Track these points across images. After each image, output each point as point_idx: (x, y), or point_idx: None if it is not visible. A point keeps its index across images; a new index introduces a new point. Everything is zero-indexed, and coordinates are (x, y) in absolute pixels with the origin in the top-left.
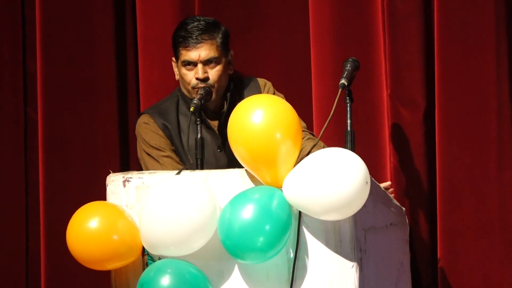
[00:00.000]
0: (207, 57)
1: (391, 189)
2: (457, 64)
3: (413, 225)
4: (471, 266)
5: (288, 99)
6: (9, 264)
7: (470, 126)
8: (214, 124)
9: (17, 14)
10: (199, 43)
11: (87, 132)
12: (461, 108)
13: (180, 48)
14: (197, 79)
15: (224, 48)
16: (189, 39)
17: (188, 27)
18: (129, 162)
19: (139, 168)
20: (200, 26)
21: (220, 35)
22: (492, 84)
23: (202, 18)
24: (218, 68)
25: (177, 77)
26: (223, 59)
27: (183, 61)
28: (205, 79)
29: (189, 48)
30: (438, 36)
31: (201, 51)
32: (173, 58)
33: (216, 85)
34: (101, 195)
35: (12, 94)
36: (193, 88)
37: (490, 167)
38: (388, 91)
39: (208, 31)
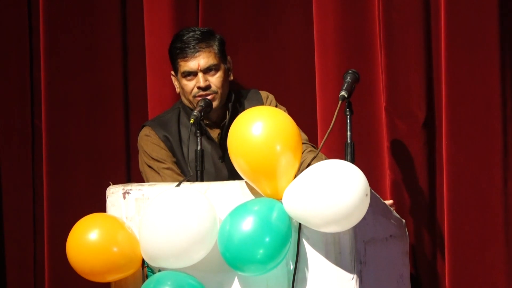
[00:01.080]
0: (207, 65)
1: (393, 207)
2: (464, 76)
3: (412, 236)
4: (478, 278)
5: (293, 110)
6: (18, 272)
7: (477, 137)
8: (216, 135)
9: (24, 24)
10: (197, 52)
11: (92, 143)
12: (468, 119)
13: (179, 60)
14: (198, 87)
15: (222, 55)
16: (186, 49)
17: (184, 38)
18: (134, 174)
19: (143, 180)
20: (196, 36)
21: (216, 43)
22: (496, 95)
23: (196, 28)
24: (219, 75)
25: (177, 90)
26: (222, 66)
27: (183, 72)
28: (206, 87)
29: (187, 58)
30: (445, 48)
31: (200, 60)
32: (172, 72)
33: (219, 92)
34: (105, 206)
35: (20, 105)
36: (195, 97)
37: (496, 178)
38: (384, 103)
39: (204, 39)
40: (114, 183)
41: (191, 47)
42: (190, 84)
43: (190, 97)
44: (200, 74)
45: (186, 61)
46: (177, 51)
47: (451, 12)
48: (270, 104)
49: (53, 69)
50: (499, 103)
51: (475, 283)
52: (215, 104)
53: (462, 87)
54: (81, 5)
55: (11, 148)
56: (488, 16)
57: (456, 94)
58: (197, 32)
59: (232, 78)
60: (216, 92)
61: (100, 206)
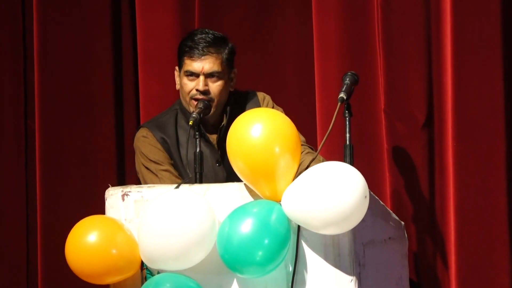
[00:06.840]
0: (210, 70)
1: None
2: (470, 78)
3: (412, 239)
4: (485, 279)
5: (292, 113)
6: (10, 275)
7: (483, 139)
8: (213, 138)
9: (18, 25)
10: (204, 55)
11: (84, 145)
12: (474, 121)
13: (185, 58)
14: (197, 90)
15: (228, 65)
16: (194, 49)
17: (196, 37)
18: (126, 175)
19: (135, 181)
20: (208, 39)
21: (226, 51)
22: (500, 98)
23: (211, 32)
24: (220, 83)
25: (177, 86)
26: (226, 75)
27: (186, 71)
28: (204, 92)
29: (193, 58)
30: (452, 52)
31: (205, 63)
32: (176, 68)
33: (216, 100)
34: (98, 208)
35: (13, 106)
36: (191, 98)
37: (501, 178)
38: (383, 105)
39: (215, 44)
40: (106, 185)
41: (200, 48)
42: (189, 85)
43: (187, 98)
44: (201, 77)
45: (192, 61)
46: (185, 49)
47: (457, 15)
48: (267, 105)
49: (46, 70)
50: (503, 105)
51: (483, 284)
52: (211, 111)
53: (469, 90)
54: (75, 8)
55: (4, 150)
56: (492, 19)
57: (462, 97)
58: (210, 35)
59: (232, 89)
60: (213, 100)
61: (94, 207)
